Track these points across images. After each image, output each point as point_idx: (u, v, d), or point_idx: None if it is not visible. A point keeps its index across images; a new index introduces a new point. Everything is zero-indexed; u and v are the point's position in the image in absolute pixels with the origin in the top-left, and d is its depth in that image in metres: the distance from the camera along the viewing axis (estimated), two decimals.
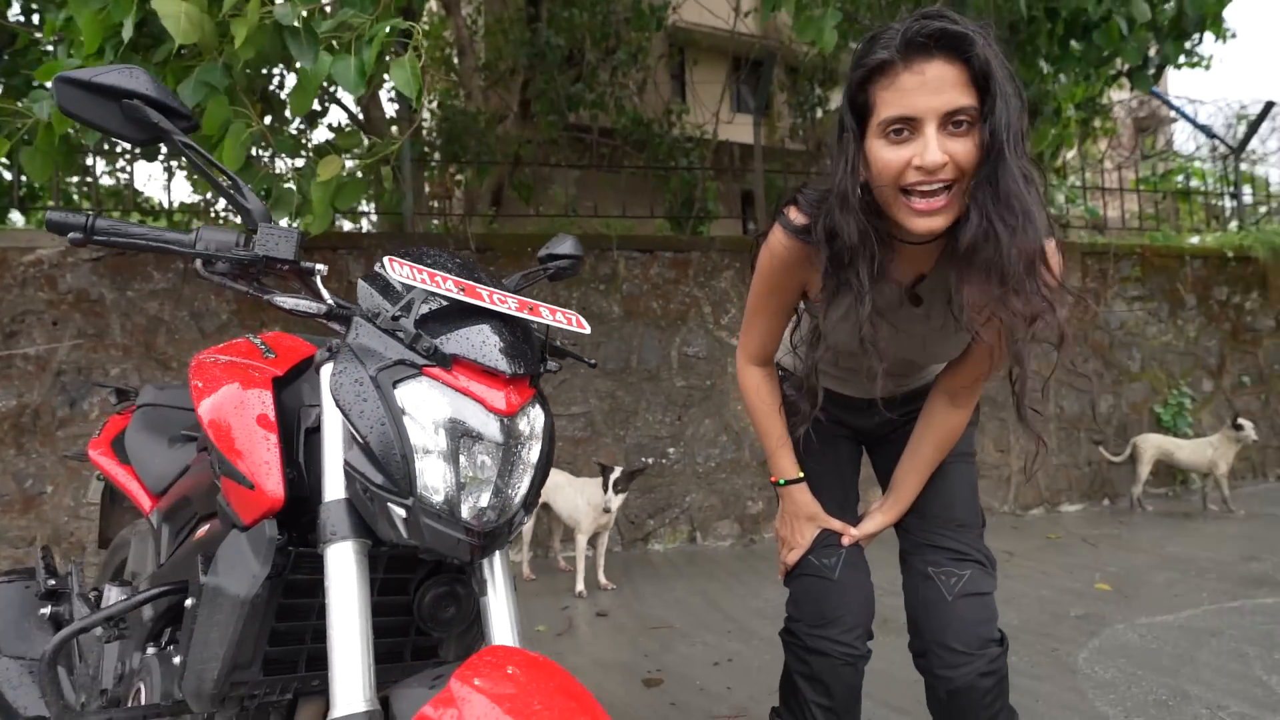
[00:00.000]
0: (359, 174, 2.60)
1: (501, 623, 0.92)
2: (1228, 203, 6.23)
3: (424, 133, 6.05)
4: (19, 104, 2.34)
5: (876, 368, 1.11)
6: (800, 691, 1.39)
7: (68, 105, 0.92)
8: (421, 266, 0.89)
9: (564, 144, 7.36)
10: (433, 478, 0.83)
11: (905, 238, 1.03)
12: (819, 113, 8.47)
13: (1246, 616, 2.62)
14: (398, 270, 0.85)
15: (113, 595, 1.42)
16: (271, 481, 0.91)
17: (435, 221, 5.95)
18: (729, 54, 8.49)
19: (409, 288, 0.90)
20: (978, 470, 1.51)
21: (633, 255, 4.13)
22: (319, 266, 1.05)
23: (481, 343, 0.88)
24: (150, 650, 1.13)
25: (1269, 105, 5.55)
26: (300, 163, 2.69)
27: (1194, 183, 7.09)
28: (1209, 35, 3.40)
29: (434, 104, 6.92)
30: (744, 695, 2.12)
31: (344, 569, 0.85)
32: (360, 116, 5.61)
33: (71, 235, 0.92)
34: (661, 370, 4.11)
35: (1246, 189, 6.16)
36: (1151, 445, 4.54)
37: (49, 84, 2.37)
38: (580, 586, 3.19)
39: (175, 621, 1.17)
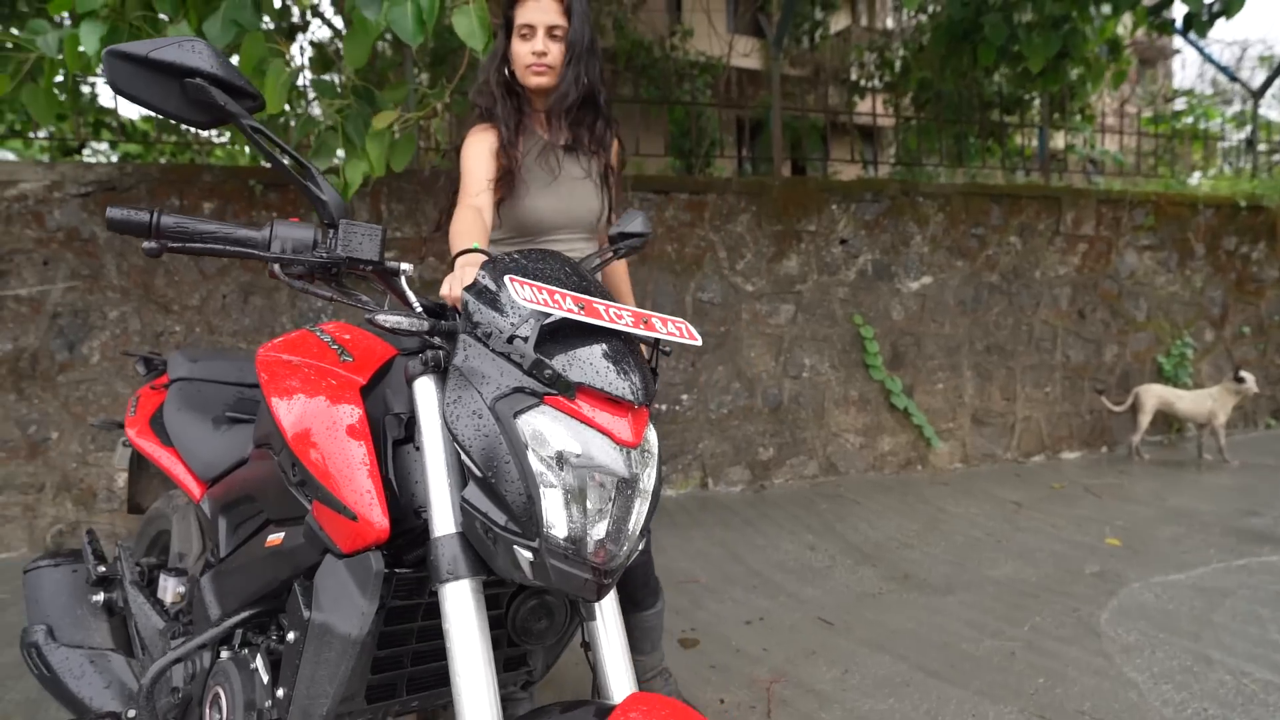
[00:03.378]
0: (396, 131, 2.41)
1: (616, 664, 0.89)
2: (1229, 142, 6.13)
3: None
4: (14, 33, 2.12)
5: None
6: None
7: (121, 84, 0.81)
8: (542, 285, 0.81)
9: None
10: (557, 515, 0.78)
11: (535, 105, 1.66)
12: (817, 36, 8.12)
13: (1255, 575, 2.71)
14: (519, 292, 0.78)
15: (169, 586, 1.37)
16: (375, 513, 0.85)
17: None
18: None
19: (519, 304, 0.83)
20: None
21: (647, 197, 3.99)
22: (404, 267, 0.96)
23: (604, 368, 0.82)
24: (225, 654, 1.09)
25: None
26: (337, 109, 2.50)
27: (1204, 123, 6.97)
28: None
29: None
30: (780, 657, 2.16)
31: (463, 608, 0.81)
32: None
33: (146, 246, 0.82)
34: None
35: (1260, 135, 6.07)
36: (1153, 395, 4.60)
37: (56, 16, 2.16)
38: None
39: (247, 623, 1.13)
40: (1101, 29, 4.53)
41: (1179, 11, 3.38)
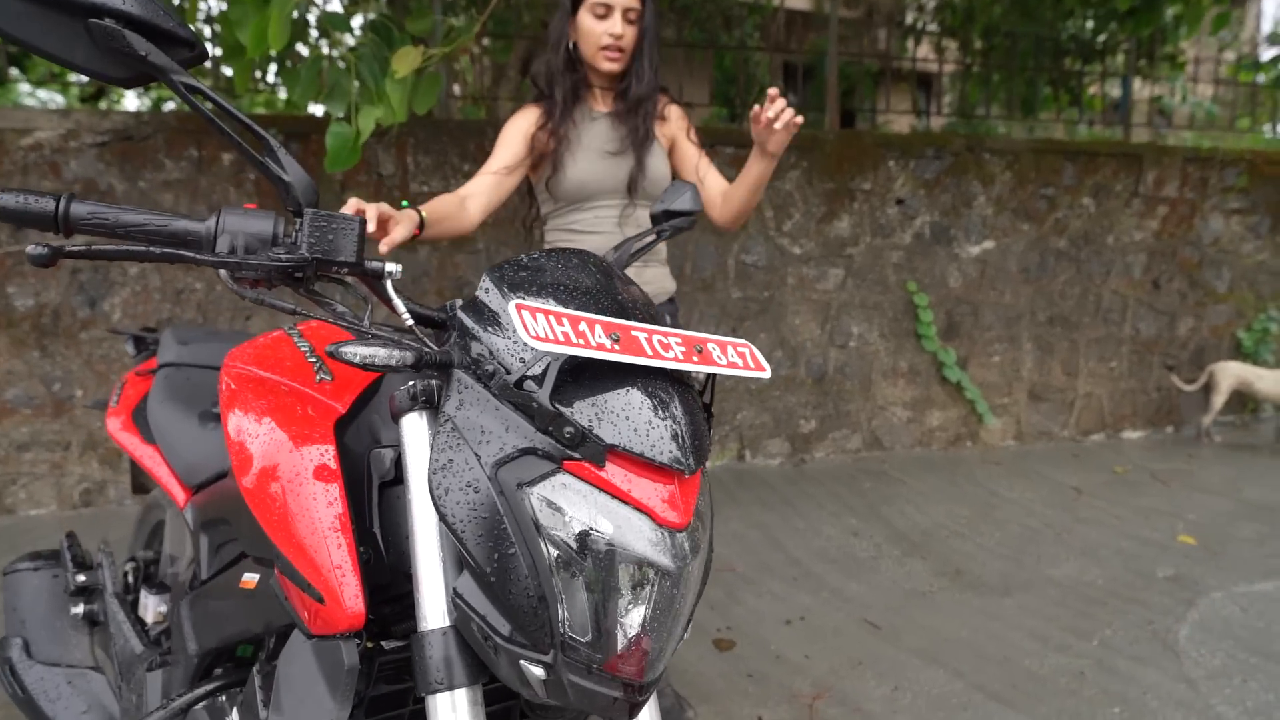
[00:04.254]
0: (431, 69, 2.18)
1: None
2: None
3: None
4: None
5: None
6: None
7: (7, 25, 0.61)
8: (562, 312, 0.61)
9: None
10: (579, 618, 0.59)
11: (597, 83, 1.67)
12: None
13: None
14: (530, 326, 0.58)
15: (150, 605, 1.24)
16: (348, 593, 0.67)
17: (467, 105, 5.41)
18: None
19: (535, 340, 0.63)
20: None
21: None
22: (390, 267, 0.76)
23: (645, 422, 0.62)
24: (200, 706, 0.95)
25: None
26: (351, 43, 2.27)
27: None
28: None
29: None
30: (824, 667, 2.00)
31: None
32: None
33: (32, 251, 0.62)
34: (717, 280, 3.80)
35: None
36: (1230, 374, 4.25)
37: None
38: None
39: (225, 658, 0.99)
40: None
41: None
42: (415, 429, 0.70)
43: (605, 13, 1.55)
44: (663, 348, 0.65)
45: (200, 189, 3.26)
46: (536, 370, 0.61)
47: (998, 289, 4.19)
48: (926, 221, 4.04)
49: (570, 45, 1.63)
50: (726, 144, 3.75)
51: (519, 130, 1.62)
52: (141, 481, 1.73)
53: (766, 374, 0.73)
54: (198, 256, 0.65)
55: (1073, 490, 3.50)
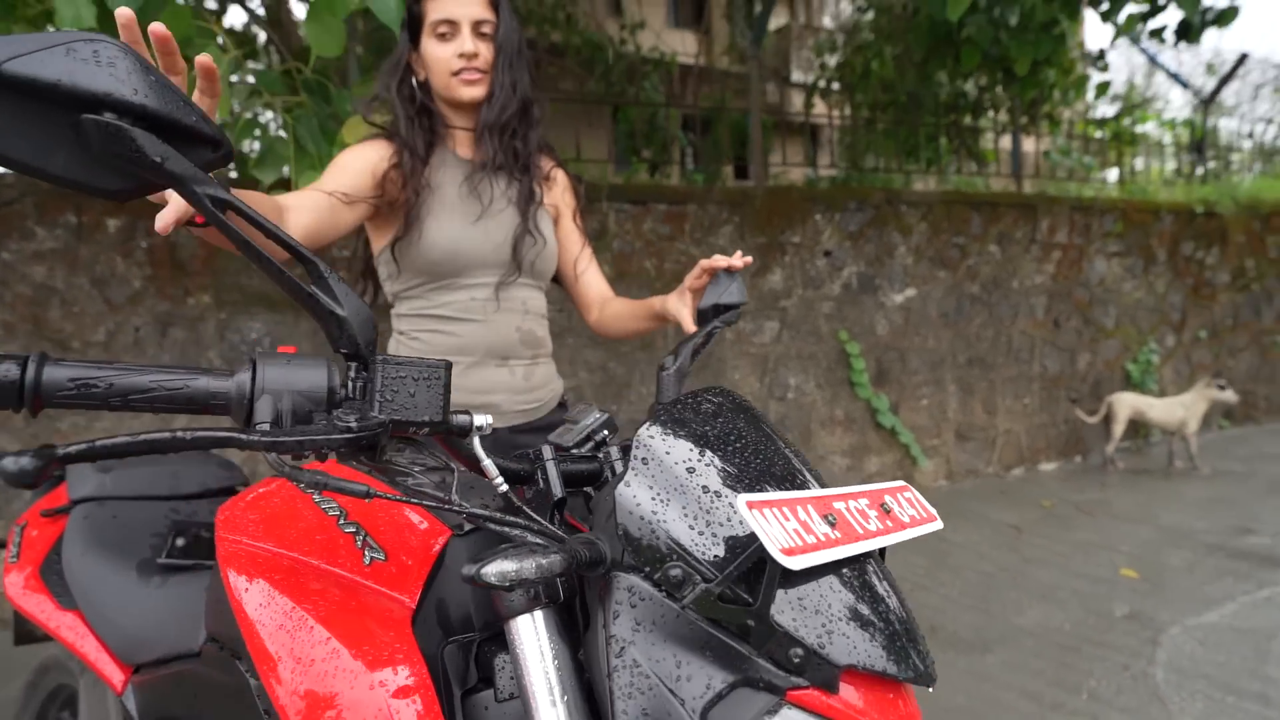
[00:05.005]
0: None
1: None
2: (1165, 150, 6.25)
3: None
4: None
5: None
6: None
7: None
8: (782, 500, 0.48)
9: None
10: None
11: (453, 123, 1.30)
12: (766, 29, 7.92)
13: None
14: (780, 534, 0.45)
15: None
16: None
17: None
18: None
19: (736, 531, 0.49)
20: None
21: (623, 208, 3.65)
22: (480, 421, 0.61)
23: (875, 631, 0.50)
24: None
25: (1243, 57, 5.50)
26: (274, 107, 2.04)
27: (1148, 126, 7.11)
28: None
29: None
30: None
31: None
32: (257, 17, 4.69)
33: (8, 466, 0.44)
34: (656, 338, 3.72)
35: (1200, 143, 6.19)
36: (1125, 404, 4.57)
37: None
38: None
39: None
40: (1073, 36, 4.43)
41: (1169, 18, 3.26)
42: (533, 632, 0.54)
43: (450, 31, 1.21)
44: (862, 516, 0.53)
45: (80, 260, 2.87)
46: (736, 566, 0.48)
47: (921, 334, 4.34)
48: (854, 272, 4.14)
49: (417, 81, 1.28)
50: (659, 201, 3.71)
51: (364, 162, 1.21)
52: (29, 630, 1.40)
53: (939, 525, 0.62)
54: (242, 438, 0.47)
55: (1012, 529, 3.60)
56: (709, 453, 0.54)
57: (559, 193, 1.40)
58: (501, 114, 1.24)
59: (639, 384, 3.68)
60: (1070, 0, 3.24)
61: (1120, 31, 3.45)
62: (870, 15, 5.94)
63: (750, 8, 7.63)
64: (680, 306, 1.17)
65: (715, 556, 0.49)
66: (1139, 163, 6.32)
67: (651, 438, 0.55)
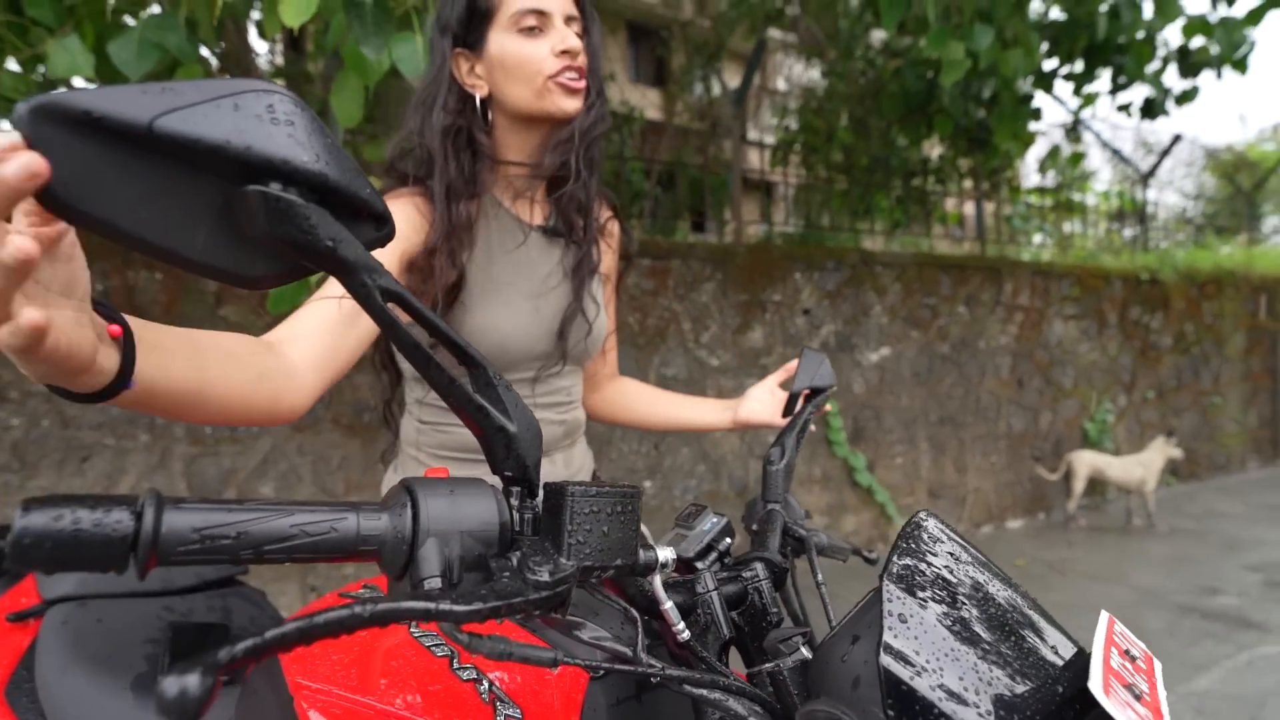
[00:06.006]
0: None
1: None
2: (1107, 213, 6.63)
3: None
4: None
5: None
6: None
7: (71, 197, 0.34)
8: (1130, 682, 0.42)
9: None
10: None
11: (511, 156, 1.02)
12: (715, 89, 8.16)
13: (1265, 675, 2.64)
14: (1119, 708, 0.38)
15: None
16: None
17: None
18: (623, 19, 7.96)
19: None
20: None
21: None
22: (664, 556, 0.53)
23: None
24: None
25: (1176, 138, 5.89)
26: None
27: (1089, 198, 7.52)
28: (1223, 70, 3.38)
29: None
30: None
31: None
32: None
33: (170, 691, 0.32)
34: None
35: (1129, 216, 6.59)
36: (1085, 462, 4.69)
37: None
38: None
39: None
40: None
41: (1133, 95, 3.47)
42: None
43: (541, 24, 0.95)
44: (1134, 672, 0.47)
45: None
46: None
47: (895, 393, 4.39)
48: (832, 330, 4.18)
49: (480, 99, 0.98)
50: (642, 256, 3.69)
51: (389, 247, 0.90)
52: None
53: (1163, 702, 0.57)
54: (432, 607, 0.37)
55: None
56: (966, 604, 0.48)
57: (609, 255, 1.16)
58: (598, 124, 1.00)
59: (620, 441, 3.60)
60: (1045, 76, 3.43)
61: (1086, 103, 3.66)
62: (826, 83, 6.18)
63: (708, 69, 7.85)
64: (761, 410, 1.12)
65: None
66: (1077, 227, 6.68)
67: (909, 615, 0.48)
